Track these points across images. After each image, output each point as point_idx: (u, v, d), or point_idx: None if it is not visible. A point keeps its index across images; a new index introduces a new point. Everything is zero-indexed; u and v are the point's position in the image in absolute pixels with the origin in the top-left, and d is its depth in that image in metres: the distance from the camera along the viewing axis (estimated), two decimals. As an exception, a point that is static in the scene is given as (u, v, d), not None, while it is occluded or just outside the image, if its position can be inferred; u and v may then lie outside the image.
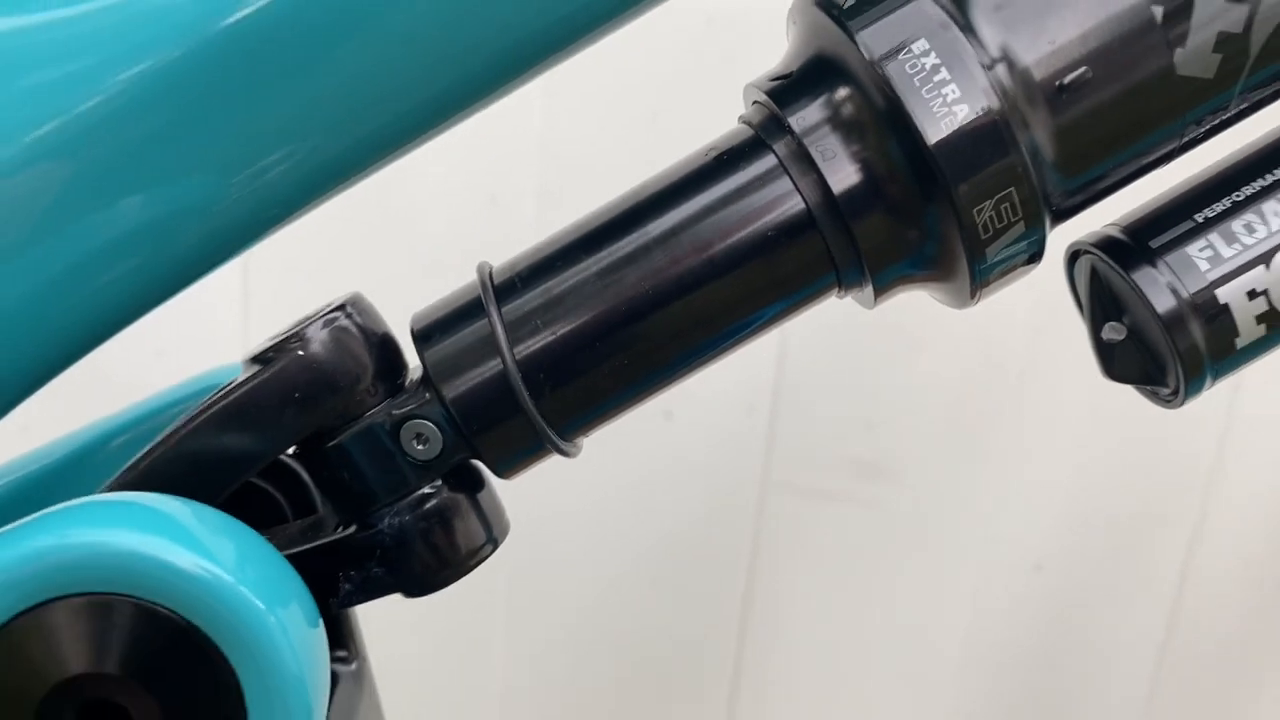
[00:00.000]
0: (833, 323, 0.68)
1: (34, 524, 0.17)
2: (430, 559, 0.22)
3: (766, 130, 0.22)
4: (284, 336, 0.21)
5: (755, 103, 0.22)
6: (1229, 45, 0.20)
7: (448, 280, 0.24)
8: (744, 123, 0.22)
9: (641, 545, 0.73)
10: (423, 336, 0.22)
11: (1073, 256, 0.24)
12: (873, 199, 0.21)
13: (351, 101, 0.20)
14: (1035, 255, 0.22)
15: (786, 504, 0.72)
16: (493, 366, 0.21)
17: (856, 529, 0.73)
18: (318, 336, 0.21)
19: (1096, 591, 0.73)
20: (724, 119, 0.24)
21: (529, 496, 0.69)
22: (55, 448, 0.26)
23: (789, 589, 0.74)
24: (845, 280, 0.22)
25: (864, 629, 0.75)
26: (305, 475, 0.22)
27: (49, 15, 0.19)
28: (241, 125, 0.19)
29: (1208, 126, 0.22)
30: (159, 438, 0.21)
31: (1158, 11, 0.20)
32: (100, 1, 0.19)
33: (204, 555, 0.17)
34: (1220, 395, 0.70)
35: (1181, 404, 0.23)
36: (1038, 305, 0.62)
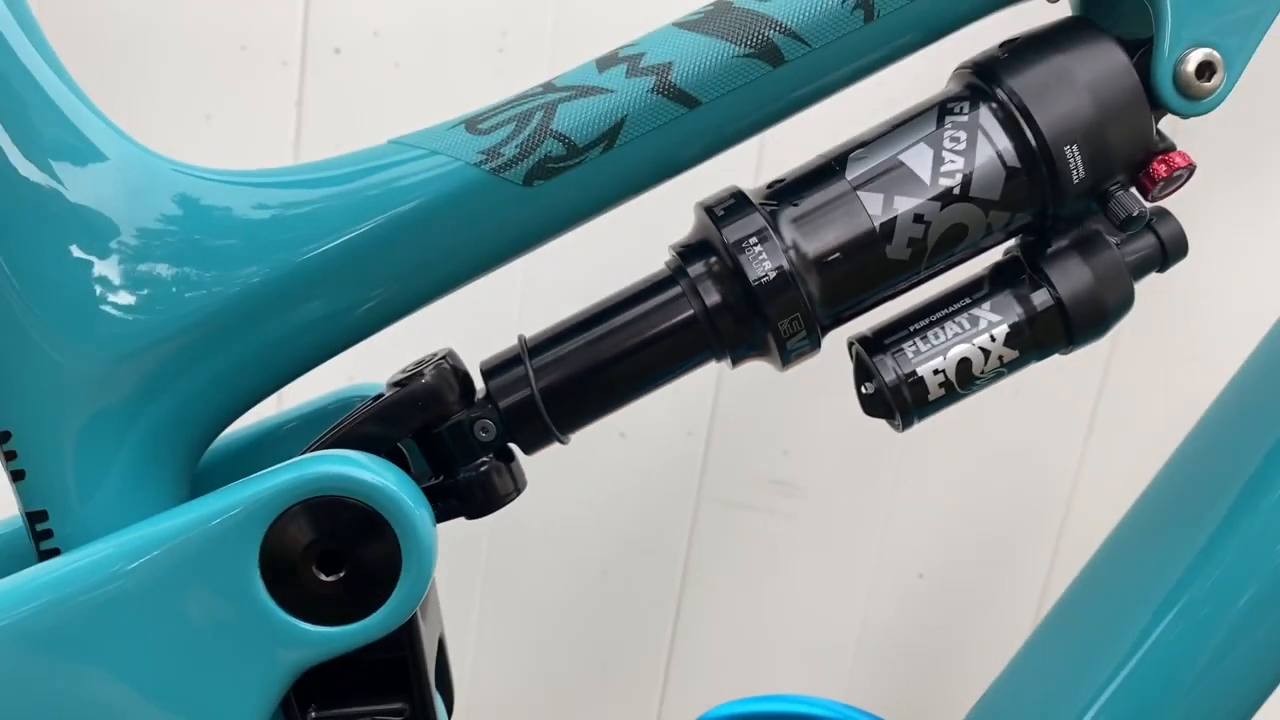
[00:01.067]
0: (759, 367, 0.82)
1: (298, 462, 0.33)
2: (484, 498, 0.37)
3: (677, 272, 0.38)
4: (411, 372, 0.37)
5: (670, 258, 0.38)
6: (916, 243, 0.36)
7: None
8: (666, 266, 0.39)
9: (596, 543, 0.82)
10: (487, 374, 0.37)
11: (850, 345, 0.40)
12: (729, 312, 0.36)
13: (405, 276, 0.35)
14: (815, 346, 0.37)
15: (717, 513, 0.82)
16: (526, 394, 0.37)
17: (774, 537, 0.82)
18: (430, 373, 0.36)
19: (970, 595, 0.81)
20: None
21: (512, 506, 0.81)
22: (252, 426, 0.41)
23: (716, 583, 0.83)
24: (718, 355, 0.38)
25: (776, 619, 0.85)
26: (411, 451, 0.38)
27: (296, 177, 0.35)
28: (373, 274, 0.35)
29: (912, 282, 0.38)
30: (340, 421, 0.36)
31: (877, 226, 0.36)
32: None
33: (383, 478, 0.32)
34: (1079, 420, 0.80)
35: (904, 430, 0.39)
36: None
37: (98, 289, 0.33)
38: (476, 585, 0.81)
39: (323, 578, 0.33)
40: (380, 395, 0.36)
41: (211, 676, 0.33)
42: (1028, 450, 0.81)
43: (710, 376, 0.79)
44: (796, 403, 0.80)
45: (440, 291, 0.36)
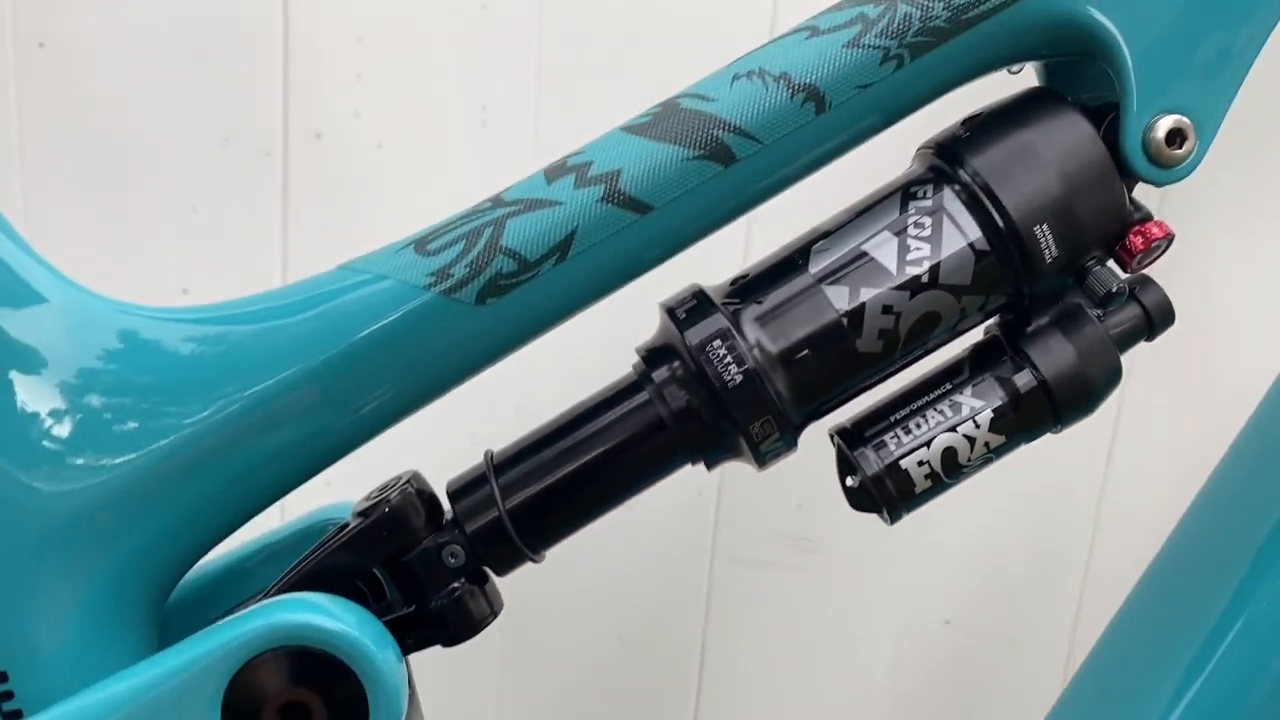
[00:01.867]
0: None
1: (258, 610, 0.32)
2: (459, 624, 0.36)
3: (643, 378, 0.36)
4: (376, 499, 0.36)
5: (635, 363, 0.37)
6: (887, 334, 0.35)
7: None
8: (632, 368, 0.38)
9: (611, 611, 0.81)
10: (452, 496, 0.36)
11: (832, 437, 0.39)
12: (697, 418, 0.35)
13: (363, 403, 0.35)
14: (791, 446, 0.36)
15: (733, 572, 0.81)
16: (494, 516, 0.36)
17: (792, 592, 0.81)
18: (394, 499, 0.35)
19: (998, 639, 0.80)
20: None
21: (524, 578, 0.81)
22: (223, 557, 0.40)
23: (738, 643, 0.82)
24: (692, 459, 0.37)
25: (803, 675, 0.84)
26: (384, 577, 0.37)
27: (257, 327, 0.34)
28: (329, 404, 0.34)
29: (889, 372, 0.37)
30: (303, 556, 0.36)
31: (845, 320, 0.35)
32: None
33: (343, 623, 0.31)
34: (1097, 456, 0.80)
35: (893, 524, 0.38)
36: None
37: (40, 433, 0.33)
38: (495, 661, 0.81)
39: None
40: (345, 525, 0.35)
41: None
42: (1046, 490, 0.80)
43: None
44: (808, 455, 0.79)
45: (403, 414, 0.36)
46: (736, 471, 0.80)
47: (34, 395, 0.33)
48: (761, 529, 0.81)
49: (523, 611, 0.77)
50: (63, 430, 0.33)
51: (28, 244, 0.34)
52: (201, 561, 0.37)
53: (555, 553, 0.76)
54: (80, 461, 0.33)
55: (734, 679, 0.84)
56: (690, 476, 0.80)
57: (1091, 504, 0.80)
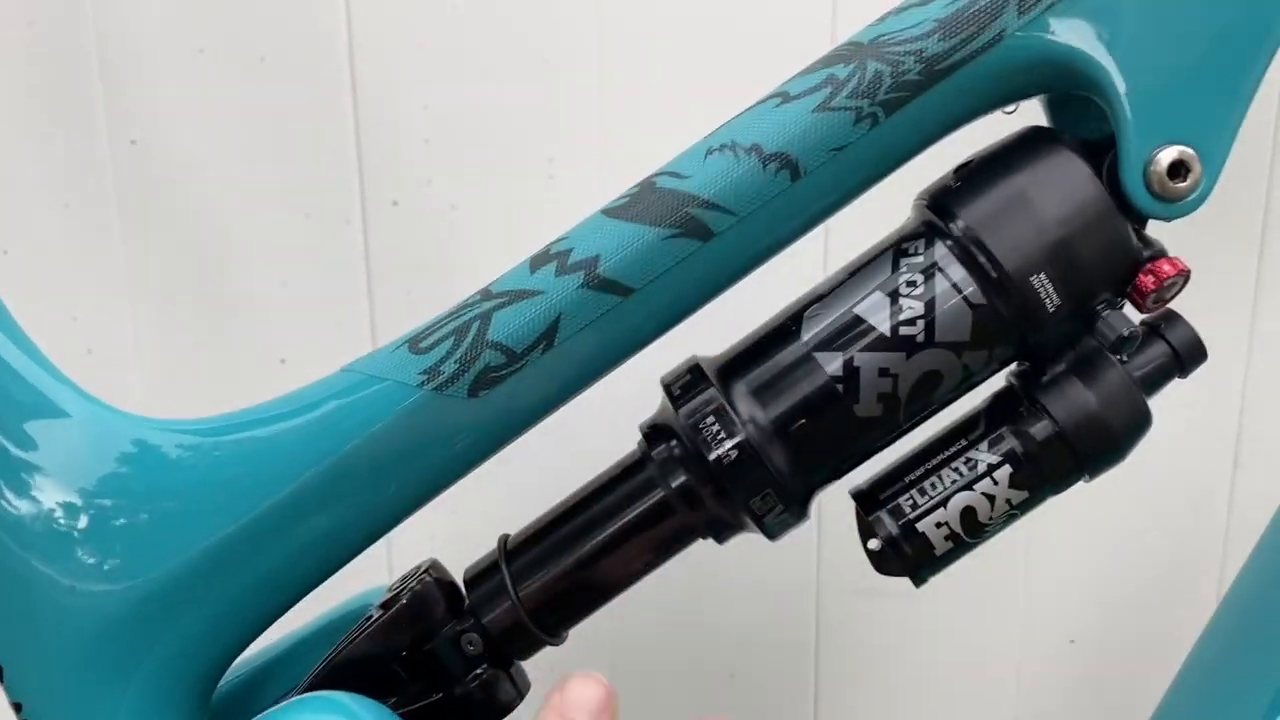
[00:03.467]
0: None
1: (285, 710, 0.34)
2: (484, 710, 0.37)
3: (644, 459, 0.36)
4: (397, 590, 0.37)
5: (638, 444, 0.37)
6: (886, 398, 0.34)
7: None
8: (637, 447, 0.38)
9: (720, 646, 0.81)
10: (468, 584, 0.37)
11: (853, 499, 0.38)
12: (698, 495, 0.35)
13: (374, 500, 0.36)
14: (800, 517, 0.36)
15: (841, 603, 0.80)
16: (508, 605, 0.36)
17: (905, 620, 0.80)
18: (414, 589, 0.37)
19: (1126, 660, 0.78)
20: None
21: (637, 620, 0.80)
22: (262, 652, 0.42)
23: (852, 675, 0.81)
24: (702, 535, 0.37)
25: (923, 707, 0.82)
26: (412, 664, 0.38)
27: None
28: (342, 502, 0.35)
29: (896, 435, 0.36)
30: (333, 649, 0.37)
31: (839, 387, 0.34)
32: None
33: None
34: (1223, 462, 0.76)
35: (918, 587, 0.37)
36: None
37: (72, 544, 0.35)
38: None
39: None
40: (368, 618, 0.36)
41: None
42: (1172, 501, 0.77)
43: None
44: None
45: (414, 507, 0.37)
46: (835, 498, 0.80)
47: (62, 508, 0.35)
48: (865, 556, 0.80)
49: (630, 654, 0.80)
50: (91, 539, 0.35)
51: (48, 360, 0.36)
52: (243, 656, 0.39)
53: (661, 590, 0.76)
54: (108, 568, 0.35)
55: (851, 711, 0.83)
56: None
57: (1221, 515, 0.76)
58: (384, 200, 0.73)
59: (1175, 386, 0.86)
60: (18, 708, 0.35)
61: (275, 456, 0.35)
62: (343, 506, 0.35)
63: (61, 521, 0.35)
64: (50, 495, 0.35)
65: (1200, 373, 0.83)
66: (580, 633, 0.85)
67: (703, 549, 0.77)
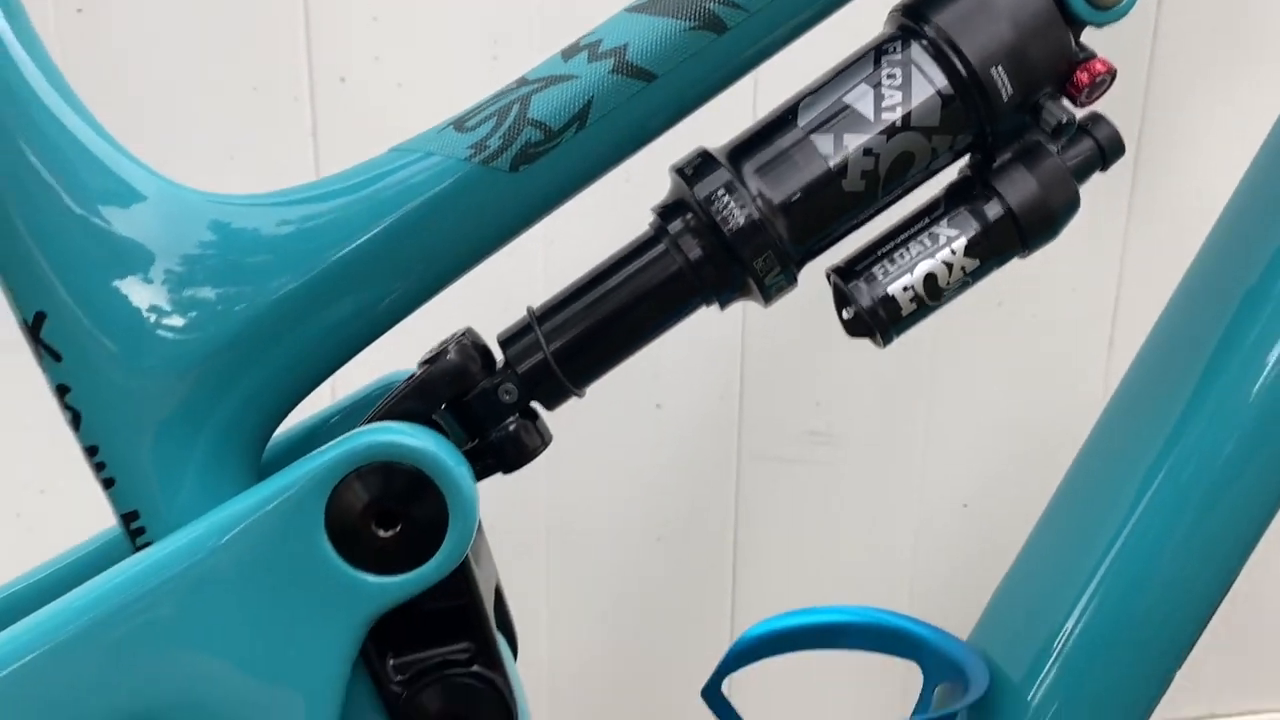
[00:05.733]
0: (778, 324, 0.82)
1: (351, 435, 0.37)
2: (516, 453, 0.41)
3: (660, 232, 0.41)
4: (437, 351, 0.41)
5: (652, 220, 0.42)
6: (869, 175, 0.40)
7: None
8: (650, 227, 0.43)
9: (647, 512, 0.85)
10: (503, 344, 0.42)
11: (828, 275, 0.44)
12: (709, 261, 0.40)
13: (420, 267, 0.39)
14: (792, 281, 0.41)
15: (759, 469, 0.85)
16: (540, 358, 0.41)
17: (817, 486, 0.86)
18: (454, 350, 0.41)
19: (1017, 518, 0.87)
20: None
21: (567, 489, 0.83)
22: (305, 420, 0.45)
23: (768, 536, 0.87)
24: (706, 300, 0.42)
25: (830, 565, 0.88)
26: (449, 417, 0.42)
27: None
28: (391, 269, 0.39)
29: (873, 210, 0.42)
30: (380, 403, 0.41)
31: (831, 164, 0.40)
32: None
33: (424, 442, 0.36)
34: (1101, 332, 0.83)
35: (885, 346, 0.43)
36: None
37: (152, 315, 0.38)
38: (540, 565, 0.86)
39: (381, 534, 0.37)
40: (412, 376, 0.41)
41: (296, 633, 0.37)
42: (1053, 369, 0.84)
43: (735, 341, 0.83)
44: (822, 356, 0.84)
45: (452, 277, 0.41)
46: (756, 374, 0.85)
47: (142, 280, 0.38)
48: (783, 427, 0.85)
49: (565, 520, 0.85)
50: (169, 308, 0.38)
51: (123, 145, 0.39)
52: (284, 425, 0.43)
53: (592, 461, 0.79)
54: (185, 335, 0.38)
55: (766, 569, 0.88)
56: (713, 381, 0.85)
57: (1099, 389, 0.84)
58: (332, 76, 0.76)
59: (1057, 271, 0.93)
60: (93, 450, 0.38)
61: (336, 222, 0.38)
62: (395, 270, 0.39)
63: (142, 296, 0.38)
64: (133, 272, 0.38)
65: (1081, 256, 0.90)
66: (520, 496, 0.88)
67: (638, 421, 0.82)
